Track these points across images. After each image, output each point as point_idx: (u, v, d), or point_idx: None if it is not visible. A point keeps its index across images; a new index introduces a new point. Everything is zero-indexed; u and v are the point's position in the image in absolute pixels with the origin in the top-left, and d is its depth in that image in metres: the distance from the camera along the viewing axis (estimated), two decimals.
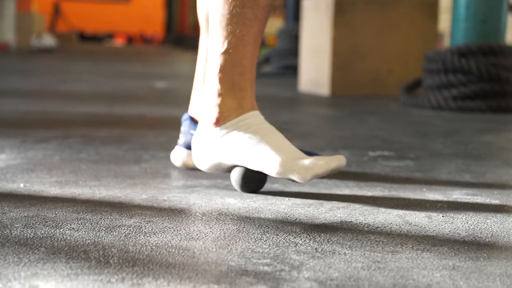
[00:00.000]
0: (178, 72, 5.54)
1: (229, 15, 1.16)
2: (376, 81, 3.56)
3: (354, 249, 0.86)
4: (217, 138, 1.19)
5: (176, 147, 1.41)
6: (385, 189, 1.24)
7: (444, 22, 6.67)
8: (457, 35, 3.04)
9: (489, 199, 1.18)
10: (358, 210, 1.08)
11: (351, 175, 1.37)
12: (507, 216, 1.06)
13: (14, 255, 0.80)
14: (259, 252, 0.84)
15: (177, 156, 1.39)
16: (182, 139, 1.40)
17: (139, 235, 0.90)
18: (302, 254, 0.83)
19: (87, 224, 0.94)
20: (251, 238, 0.90)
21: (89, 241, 0.86)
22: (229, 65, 1.18)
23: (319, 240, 0.90)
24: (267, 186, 1.23)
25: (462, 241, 0.91)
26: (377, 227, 0.98)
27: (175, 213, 1.03)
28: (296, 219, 1.01)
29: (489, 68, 2.85)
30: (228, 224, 0.97)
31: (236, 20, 1.16)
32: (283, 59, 5.15)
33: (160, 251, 0.83)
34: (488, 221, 1.03)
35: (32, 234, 0.89)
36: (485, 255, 0.85)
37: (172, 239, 0.89)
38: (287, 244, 0.88)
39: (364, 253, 0.84)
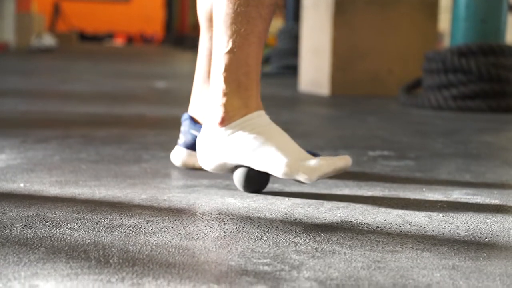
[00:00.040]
0: (178, 72, 5.54)
1: (233, 14, 1.16)
2: (376, 81, 3.56)
3: (354, 249, 0.86)
4: (222, 138, 1.18)
5: (176, 147, 1.41)
6: (385, 189, 1.24)
7: (444, 22, 6.67)
8: (457, 35, 3.04)
9: (489, 199, 1.18)
10: (358, 210, 1.08)
11: (351, 175, 1.37)
12: (507, 216, 1.06)
13: (14, 254, 0.80)
14: (259, 251, 0.84)
15: (177, 156, 1.39)
16: (182, 138, 1.40)
17: (139, 235, 0.90)
18: (302, 253, 0.84)
19: (87, 224, 0.94)
20: (251, 238, 0.90)
21: (89, 241, 0.86)
22: (234, 64, 1.17)
23: (319, 240, 0.90)
24: (267, 186, 1.23)
25: (462, 241, 0.91)
26: (377, 226, 0.98)
27: (175, 213, 1.03)
28: (296, 218, 1.01)
29: (489, 68, 2.85)
30: (228, 224, 0.97)
31: (241, 19, 1.16)
32: (283, 59, 5.15)
33: (160, 251, 0.83)
34: (488, 221, 1.03)
35: (32, 234, 0.89)
36: (485, 254, 0.85)
37: (172, 238, 0.89)
38: (287, 243, 0.88)
39: (364, 253, 0.84)
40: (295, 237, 0.91)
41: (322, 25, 3.58)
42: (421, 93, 3.10)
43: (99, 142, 1.71)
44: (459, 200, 1.17)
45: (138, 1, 19.79)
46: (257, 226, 0.96)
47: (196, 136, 1.37)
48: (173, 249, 0.84)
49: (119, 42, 18.44)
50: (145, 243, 0.86)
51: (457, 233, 0.95)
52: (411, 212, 1.07)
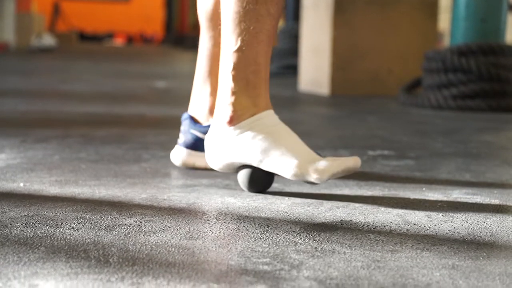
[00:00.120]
0: (178, 72, 5.54)
1: (242, 12, 1.14)
2: (376, 81, 3.56)
3: (353, 248, 0.86)
4: (231, 138, 1.18)
5: (176, 147, 1.41)
6: (384, 189, 1.24)
7: (444, 22, 6.67)
8: (457, 34, 3.04)
9: (489, 198, 1.18)
10: (357, 209, 1.08)
11: (350, 174, 1.37)
12: (506, 216, 1.06)
13: (14, 254, 0.80)
14: (258, 251, 0.84)
15: (177, 155, 1.39)
16: (182, 138, 1.40)
17: (139, 234, 0.90)
18: (301, 253, 0.83)
19: (87, 223, 0.94)
20: (251, 237, 0.90)
21: (89, 240, 0.86)
22: (243, 63, 1.16)
23: (318, 239, 0.90)
24: None
25: (462, 240, 0.91)
26: (377, 226, 0.98)
27: (175, 212, 1.03)
28: (295, 218, 1.01)
29: (489, 67, 2.85)
30: (228, 223, 0.97)
31: (250, 17, 1.15)
32: (283, 59, 5.15)
33: (160, 250, 0.83)
34: (487, 220, 1.03)
35: (32, 233, 0.89)
36: (484, 254, 0.85)
37: (172, 238, 0.89)
38: (287, 243, 0.88)
39: (364, 252, 0.84)
40: (295, 237, 0.91)
41: (322, 25, 3.58)
42: (421, 93, 3.10)
43: (99, 142, 1.71)
44: (459, 199, 1.17)
45: (138, 1, 19.79)
46: (257, 225, 0.96)
47: (196, 136, 1.38)
48: (173, 249, 0.84)
49: (119, 42, 18.44)
50: (145, 242, 0.86)
51: (457, 232, 0.95)
52: (411, 211, 1.07)
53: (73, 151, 1.56)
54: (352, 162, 1.12)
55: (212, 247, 0.85)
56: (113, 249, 0.83)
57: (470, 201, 1.16)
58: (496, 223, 1.01)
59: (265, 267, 0.78)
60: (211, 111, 1.39)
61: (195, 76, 1.43)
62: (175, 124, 1.96)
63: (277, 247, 0.86)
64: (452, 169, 1.46)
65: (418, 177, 1.37)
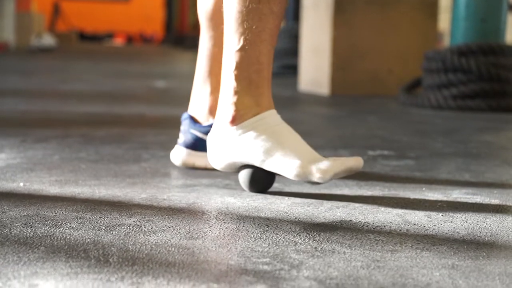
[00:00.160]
0: (177, 72, 5.54)
1: (245, 11, 1.14)
2: (376, 81, 3.56)
3: (353, 248, 0.86)
4: (233, 138, 1.17)
5: (176, 146, 1.41)
6: (384, 188, 1.24)
7: (444, 21, 6.67)
8: (457, 34, 3.04)
9: (489, 198, 1.18)
10: (357, 209, 1.08)
11: (351, 174, 1.37)
12: (506, 216, 1.06)
13: (14, 254, 0.80)
14: (258, 251, 0.84)
15: (177, 155, 1.39)
16: (181, 138, 1.40)
17: (139, 234, 0.90)
18: (301, 253, 0.83)
19: (86, 223, 0.94)
20: (251, 237, 0.90)
21: (88, 240, 0.86)
22: (246, 62, 1.16)
23: (318, 239, 0.90)
24: None
25: (462, 240, 0.91)
26: (377, 226, 0.98)
27: (174, 212, 1.03)
28: (295, 218, 1.01)
29: (489, 67, 2.85)
30: (228, 223, 0.97)
31: (252, 16, 1.14)
32: (283, 59, 5.15)
33: (159, 250, 0.83)
34: (487, 220, 1.03)
35: (32, 233, 0.89)
36: (484, 254, 0.85)
37: (172, 238, 0.89)
38: (287, 243, 0.88)
39: (364, 252, 0.84)
40: (294, 236, 0.91)
41: (322, 25, 3.58)
42: (421, 93, 3.10)
43: (98, 142, 1.71)
44: (458, 199, 1.17)
45: (137, 1, 19.79)
46: (256, 225, 0.96)
47: (195, 136, 1.38)
48: (173, 248, 0.84)
49: (118, 42, 18.44)
50: (144, 242, 0.86)
51: (457, 232, 0.95)
52: (411, 211, 1.07)
53: (73, 151, 1.56)
54: (355, 162, 1.12)
55: (212, 247, 0.85)
56: (113, 249, 0.83)
57: (470, 201, 1.16)
58: (496, 223, 1.01)
59: (265, 267, 0.78)
60: (211, 111, 1.39)
61: (195, 76, 1.43)
62: (175, 124, 1.96)
63: (277, 247, 0.86)
64: (452, 169, 1.46)
65: (418, 177, 1.37)
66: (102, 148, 1.61)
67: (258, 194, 1.17)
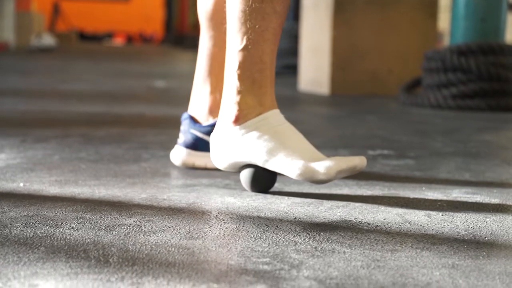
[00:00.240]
0: (177, 72, 5.54)
1: (248, 10, 1.14)
2: (375, 80, 3.56)
3: (353, 248, 0.86)
4: (236, 137, 1.17)
5: (176, 146, 1.41)
6: (384, 188, 1.24)
7: (444, 21, 6.67)
8: (457, 34, 3.04)
9: (489, 197, 1.18)
10: (357, 209, 1.08)
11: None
12: (506, 215, 1.06)
13: (14, 254, 0.80)
14: (258, 251, 0.84)
15: (177, 155, 1.39)
16: (181, 138, 1.40)
17: (139, 234, 0.90)
18: (301, 253, 0.83)
19: (86, 223, 0.94)
20: (251, 237, 0.90)
21: (88, 240, 0.86)
22: (249, 61, 1.16)
23: (318, 239, 0.90)
24: None
25: (462, 240, 0.91)
26: (377, 225, 0.98)
27: (174, 212, 1.03)
28: (295, 218, 1.01)
29: (489, 67, 2.85)
30: (228, 223, 0.97)
31: (255, 15, 1.14)
32: (283, 59, 5.15)
33: (159, 250, 0.83)
34: (487, 219, 1.03)
35: (32, 233, 0.89)
36: (484, 253, 0.85)
37: (172, 238, 0.89)
38: (287, 243, 0.88)
39: (364, 252, 0.84)
40: (294, 236, 0.91)
41: (322, 25, 3.58)
42: (421, 92, 3.10)
43: (98, 142, 1.71)
44: (458, 199, 1.17)
45: (137, 1, 19.79)
46: (256, 225, 0.96)
47: (195, 136, 1.38)
48: (173, 249, 0.84)
49: (118, 41, 18.44)
50: (144, 242, 0.86)
51: (457, 232, 0.95)
52: (411, 211, 1.07)
53: (73, 151, 1.56)
54: (358, 160, 1.12)
55: (212, 247, 0.85)
56: (113, 249, 0.83)
57: (469, 201, 1.16)
58: (496, 222, 1.01)
59: (265, 266, 0.78)
60: (211, 111, 1.39)
61: (195, 76, 1.43)
62: (175, 124, 1.96)
63: (277, 246, 0.86)
64: (451, 169, 1.46)
65: (418, 176, 1.37)
66: (102, 148, 1.61)
67: (258, 194, 1.17)
